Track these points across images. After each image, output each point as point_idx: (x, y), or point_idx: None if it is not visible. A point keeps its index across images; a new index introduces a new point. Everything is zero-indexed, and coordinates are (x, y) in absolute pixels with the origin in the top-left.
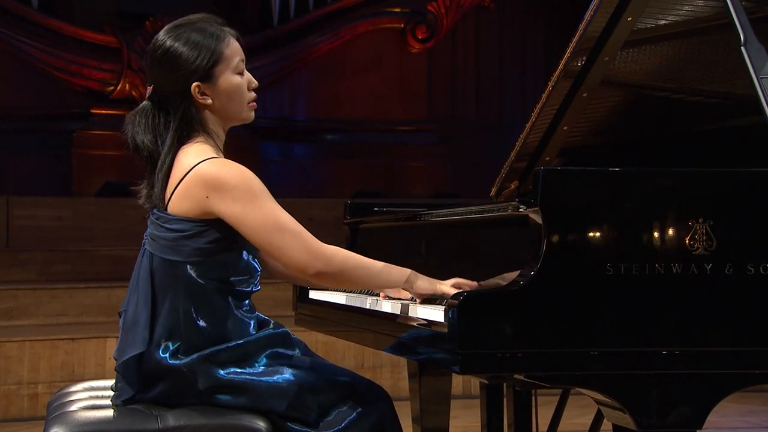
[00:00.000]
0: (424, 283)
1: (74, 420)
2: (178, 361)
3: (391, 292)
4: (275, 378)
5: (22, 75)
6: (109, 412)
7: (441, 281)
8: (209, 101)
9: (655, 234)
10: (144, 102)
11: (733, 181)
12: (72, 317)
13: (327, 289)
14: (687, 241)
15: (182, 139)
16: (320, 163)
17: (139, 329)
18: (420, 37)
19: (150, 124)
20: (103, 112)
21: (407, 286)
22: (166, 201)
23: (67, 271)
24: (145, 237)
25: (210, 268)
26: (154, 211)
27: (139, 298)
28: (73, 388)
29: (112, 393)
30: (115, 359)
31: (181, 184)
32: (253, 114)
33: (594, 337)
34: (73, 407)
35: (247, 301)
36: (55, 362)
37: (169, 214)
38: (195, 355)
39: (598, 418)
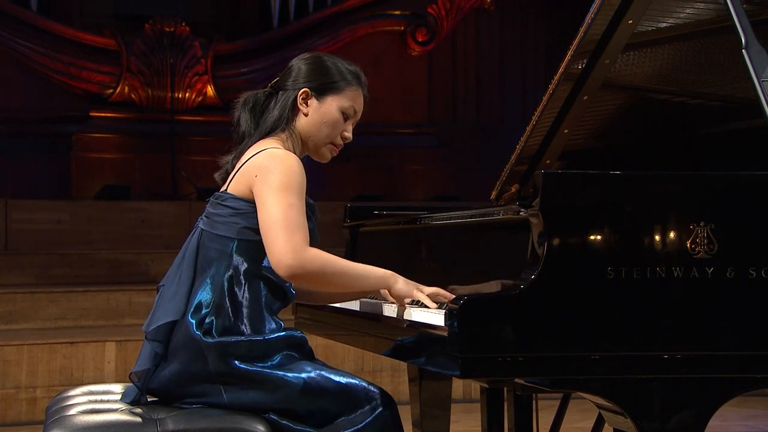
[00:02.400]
0: (403, 287)
1: (73, 424)
2: (200, 333)
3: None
4: (287, 374)
5: (20, 78)
6: (108, 416)
7: (421, 286)
8: (305, 111)
9: (657, 237)
10: (264, 89)
11: (734, 184)
12: (70, 321)
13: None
14: (688, 245)
15: (270, 131)
16: (320, 166)
17: (177, 299)
18: (420, 40)
19: (258, 110)
20: (102, 114)
21: (386, 286)
22: (229, 182)
23: (65, 274)
24: (199, 219)
25: (255, 249)
26: (215, 193)
27: (182, 272)
28: (72, 393)
29: (111, 397)
30: (145, 331)
31: (242, 167)
32: (329, 155)
33: (595, 341)
34: (72, 411)
35: (278, 305)
36: (54, 366)
37: (228, 193)
38: (217, 339)
39: (599, 423)
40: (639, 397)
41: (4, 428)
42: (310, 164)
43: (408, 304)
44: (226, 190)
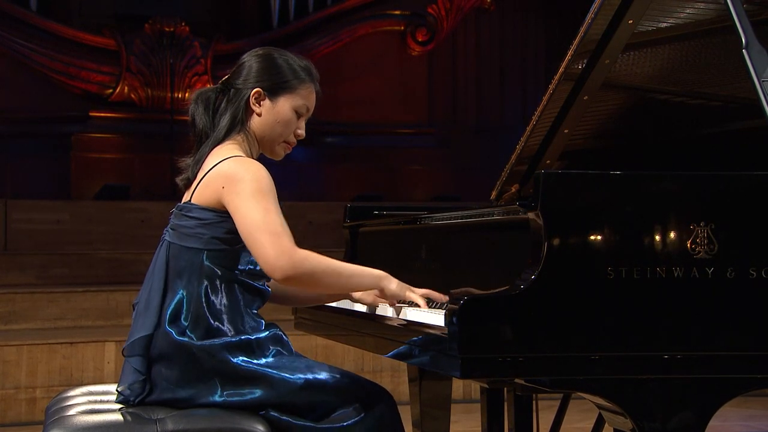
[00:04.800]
0: (395, 288)
1: (72, 424)
2: (186, 339)
3: (364, 295)
4: (285, 374)
5: (20, 78)
6: (108, 417)
7: (412, 288)
8: (258, 111)
9: (657, 237)
10: (215, 86)
11: (734, 184)
12: (70, 321)
13: None
14: (688, 245)
15: (227, 133)
16: (320, 167)
17: (149, 313)
18: (420, 40)
19: (211, 105)
20: (102, 114)
21: (379, 287)
22: (192, 191)
23: (65, 274)
24: (165, 231)
25: (225, 257)
26: (178, 204)
27: (152, 286)
28: (72, 393)
29: (110, 397)
30: (124, 350)
31: (205, 177)
32: (282, 153)
33: (595, 342)
34: (72, 411)
35: (256, 304)
36: (53, 366)
37: (192, 204)
38: (207, 342)
39: (599, 423)
40: (639, 397)
41: (3, 428)
42: (308, 166)
43: (400, 304)
44: (189, 200)
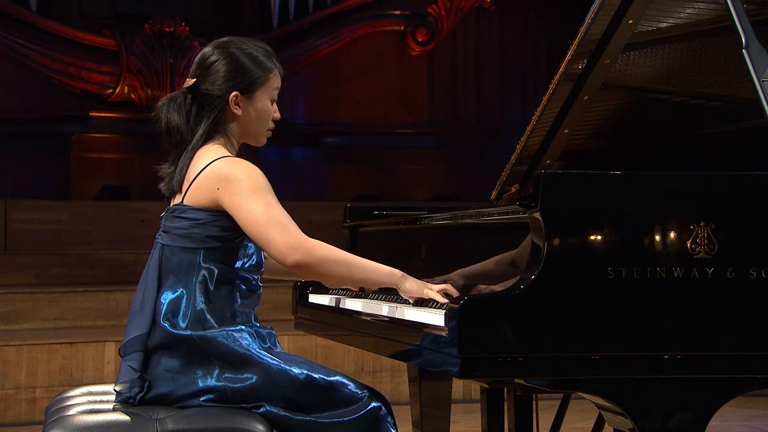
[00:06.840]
0: (413, 285)
1: (72, 424)
2: (181, 331)
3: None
4: (284, 364)
5: (20, 78)
6: (108, 416)
7: (429, 285)
8: (239, 113)
9: (657, 237)
10: (180, 90)
11: (734, 184)
12: (70, 321)
13: (327, 292)
14: (688, 245)
15: (207, 138)
16: (320, 167)
17: (145, 313)
18: (420, 40)
19: (183, 111)
20: (102, 115)
21: (394, 284)
22: (183, 194)
23: (65, 274)
24: (157, 236)
25: (221, 254)
26: (169, 207)
27: (147, 287)
28: (72, 393)
29: (110, 397)
30: (120, 350)
31: (197, 179)
32: (265, 140)
33: (595, 342)
34: (72, 411)
35: (252, 300)
36: (53, 366)
37: (185, 205)
38: (205, 332)
39: (600, 423)
40: (639, 397)
41: (3, 428)
42: (309, 166)
43: (401, 303)
44: (181, 202)
